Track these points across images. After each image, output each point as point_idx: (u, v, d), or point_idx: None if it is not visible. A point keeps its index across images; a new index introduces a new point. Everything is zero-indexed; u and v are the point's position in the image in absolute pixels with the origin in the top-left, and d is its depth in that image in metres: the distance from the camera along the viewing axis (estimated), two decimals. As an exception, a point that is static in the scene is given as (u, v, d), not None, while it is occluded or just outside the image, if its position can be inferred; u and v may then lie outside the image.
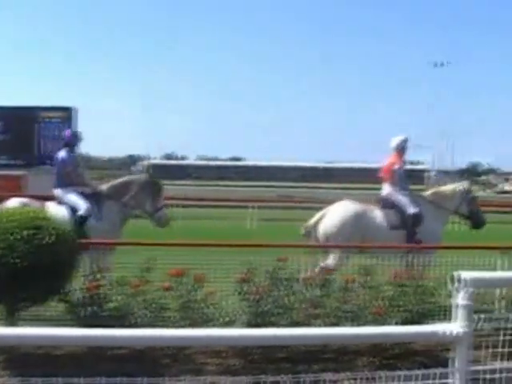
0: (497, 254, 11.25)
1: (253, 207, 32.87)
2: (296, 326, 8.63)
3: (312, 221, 13.34)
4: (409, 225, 13.25)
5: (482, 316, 3.51)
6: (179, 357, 8.94)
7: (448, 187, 14.44)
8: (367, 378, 4.13)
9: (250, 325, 9.16)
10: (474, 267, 9.73)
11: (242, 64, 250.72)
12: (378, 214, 13.27)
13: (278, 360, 8.96)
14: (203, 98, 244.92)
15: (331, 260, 12.06)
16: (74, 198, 12.74)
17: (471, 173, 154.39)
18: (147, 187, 13.17)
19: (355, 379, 4.22)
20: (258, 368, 8.59)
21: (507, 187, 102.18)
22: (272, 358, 8.95)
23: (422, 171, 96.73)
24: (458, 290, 3.46)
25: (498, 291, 10.61)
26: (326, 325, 9.07)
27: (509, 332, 4.11)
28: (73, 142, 13.39)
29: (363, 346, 9.11)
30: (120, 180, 13.42)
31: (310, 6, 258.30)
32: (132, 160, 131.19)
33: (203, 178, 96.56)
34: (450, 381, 3.56)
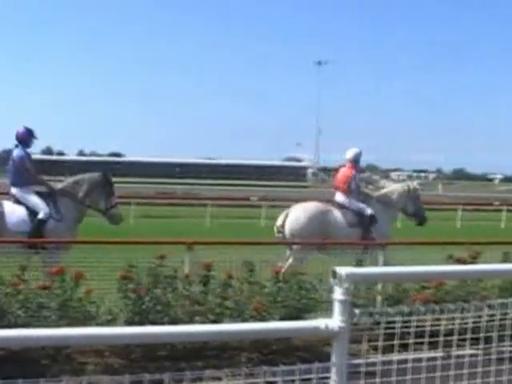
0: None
1: (129, 203, 32.71)
2: (177, 323, 8.61)
3: (280, 220, 14.27)
4: (365, 224, 14.45)
5: (358, 311, 3.57)
6: (59, 357, 8.79)
7: (394, 187, 15.71)
8: (247, 374, 4.15)
9: (130, 323, 9.09)
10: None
11: (125, 59, 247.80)
12: (337, 213, 14.42)
13: (159, 358, 8.93)
14: (87, 92, 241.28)
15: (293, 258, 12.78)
16: (33, 200, 12.55)
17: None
18: (101, 185, 13.12)
19: (236, 375, 4.23)
20: (139, 367, 8.56)
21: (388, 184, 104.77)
22: (153, 357, 8.91)
23: (303, 168, 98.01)
24: (336, 285, 3.52)
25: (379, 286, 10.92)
26: (207, 321, 9.09)
27: (387, 326, 4.20)
28: (27, 139, 12.95)
29: (245, 342, 9.17)
30: (74, 178, 13.23)
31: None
32: (7, 154, 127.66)
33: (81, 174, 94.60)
34: (329, 375, 3.60)
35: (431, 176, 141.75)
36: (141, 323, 8.83)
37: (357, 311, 3.56)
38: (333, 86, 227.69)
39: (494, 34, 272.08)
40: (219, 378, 4.32)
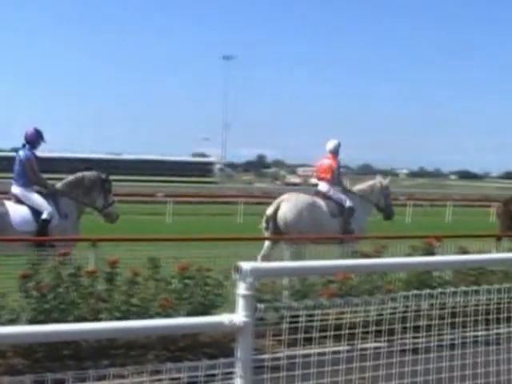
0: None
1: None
2: (82, 321, 8.51)
3: (270, 211, 14.88)
4: (345, 215, 15.36)
5: (261, 305, 3.60)
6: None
7: (370, 182, 16.54)
8: (152, 371, 4.14)
9: (33, 322, 8.94)
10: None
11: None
12: (322, 204, 15.25)
13: (63, 357, 8.81)
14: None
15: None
16: (37, 200, 12.75)
17: (258, 165, 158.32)
18: (99, 183, 13.39)
19: (141, 373, 4.22)
20: (43, 367, 8.43)
21: (295, 179, 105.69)
22: (57, 356, 8.79)
23: (210, 164, 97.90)
24: (240, 281, 3.54)
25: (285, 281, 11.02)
26: (112, 319, 9.01)
27: (292, 320, 4.25)
28: (35, 140, 13.13)
29: (152, 340, 9.13)
30: (73, 177, 13.36)
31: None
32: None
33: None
34: (234, 370, 3.62)
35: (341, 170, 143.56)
36: (44, 322, 8.69)
37: (261, 306, 3.59)
38: (241, 81, 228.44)
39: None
40: (123, 376, 4.28)
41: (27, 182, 12.85)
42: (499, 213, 20.51)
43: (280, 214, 14.76)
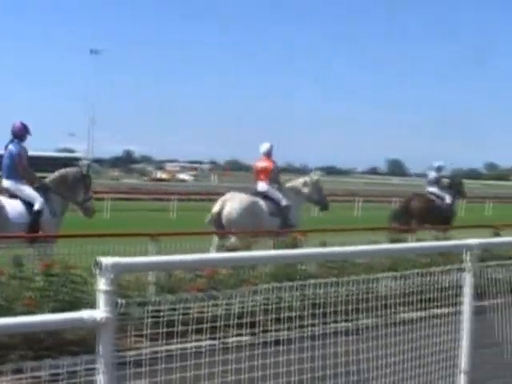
0: (148, 241, 11.69)
1: None
2: None
3: (216, 208, 16.08)
4: (284, 214, 16.52)
5: (123, 301, 3.61)
6: None
7: (301, 180, 17.91)
8: (14, 371, 4.10)
9: None
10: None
11: None
12: (262, 203, 16.40)
13: None
14: None
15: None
16: (28, 192, 13.21)
17: (126, 161, 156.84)
18: (81, 179, 13.92)
19: (2, 372, 4.16)
20: None
21: (162, 175, 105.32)
22: None
23: (76, 159, 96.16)
24: (100, 276, 3.54)
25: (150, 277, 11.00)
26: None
27: (154, 315, 4.28)
28: (23, 134, 13.48)
29: (16, 339, 8.94)
30: (57, 173, 13.91)
31: None
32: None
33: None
34: (96, 366, 3.62)
35: (206, 167, 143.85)
36: None
37: (121, 301, 3.60)
38: (109, 75, 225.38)
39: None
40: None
41: (18, 176, 13.22)
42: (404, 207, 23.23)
43: (224, 212, 15.92)
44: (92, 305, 9.40)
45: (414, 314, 5.92)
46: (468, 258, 5.98)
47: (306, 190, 17.56)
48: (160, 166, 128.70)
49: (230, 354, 4.68)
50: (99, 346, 3.55)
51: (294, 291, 5.12)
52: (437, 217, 22.09)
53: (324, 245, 11.80)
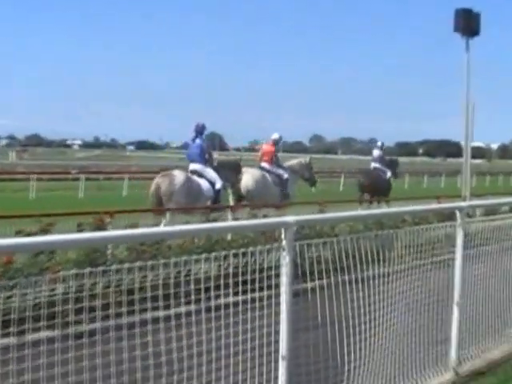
0: None
1: None
2: None
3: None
4: (283, 185, 22.95)
5: None
6: None
7: (297, 160, 24.86)
8: None
9: None
10: None
11: None
12: (268, 176, 22.79)
13: None
14: None
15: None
16: (212, 174, 19.78)
17: None
18: None
19: None
20: None
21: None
22: None
23: None
24: None
25: None
26: None
27: None
28: (202, 131, 20.18)
29: None
30: None
31: None
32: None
33: None
34: None
35: (3, 142, 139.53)
36: None
37: None
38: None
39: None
40: None
41: (204, 161, 19.76)
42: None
43: (243, 183, 21.77)
44: None
45: (232, 299, 5.92)
46: (284, 236, 6.06)
47: (300, 168, 24.33)
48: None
49: (26, 349, 4.52)
50: None
51: (97, 277, 4.99)
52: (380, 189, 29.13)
53: (134, 227, 11.69)
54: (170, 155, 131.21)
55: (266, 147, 23.85)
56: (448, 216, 10.37)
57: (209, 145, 21.55)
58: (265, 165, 23.35)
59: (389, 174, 30.59)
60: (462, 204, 9.08)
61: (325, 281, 6.61)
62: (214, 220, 14.83)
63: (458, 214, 8.60)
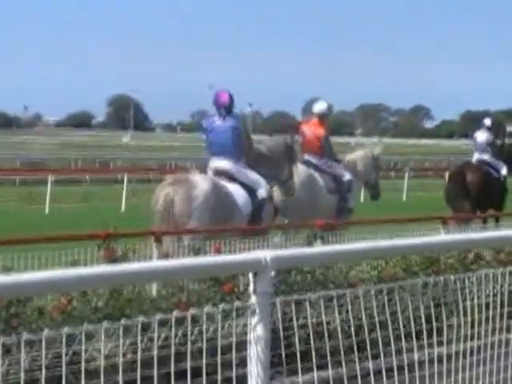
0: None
1: None
2: None
3: None
4: (343, 191, 14.32)
5: None
6: None
7: (359, 153, 15.45)
8: None
9: None
10: None
11: None
12: (319, 178, 14.20)
13: None
14: None
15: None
16: (252, 176, 12.21)
17: None
18: None
19: None
20: None
21: None
22: None
23: None
24: None
25: None
26: None
27: None
28: (231, 106, 12.32)
29: None
30: None
31: None
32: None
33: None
34: None
35: None
36: None
37: None
38: None
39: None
40: None
41: (239, 155, 12.19)
42: None
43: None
44: None
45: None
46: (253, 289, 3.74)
47: (363, 168, 15.21)
48: None
49: None
50: None
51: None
52: None
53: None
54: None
55: (310, 127, 14.82)
56: None
57: (247, 128, 13.83)
58: (311, 158, 14.54)
59: (504, 170, 19.77)
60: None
61: (330, 371, 3.94)
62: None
63: None
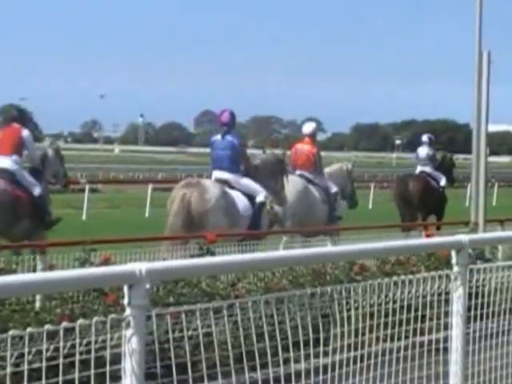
0: None
1: None
2: None
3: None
4: (331, 202, 16.06)
5: None
6: None
7: (337, 166, 17.78)
8: None
9: None
10: None
11: None
12: (313, 189, 15.82)
13: None
14: None
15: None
16: (249, 184, 13.62)
17: None
18: None
19: None
20: None
21: None
22: None
23: None
24: None
25: None
26: None
27: None
28: (232, 124, 13.80)
29: None
30: None
31: None
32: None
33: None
34: None
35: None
36: None
37: None
38: None
39: None
40: None
41: (239, 168, 13.66)
42: None
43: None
44: None
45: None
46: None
47: (341, 179, 17.26)
48: None
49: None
50: None
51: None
52: None
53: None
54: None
55: (303, 145, 16.47)
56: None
57: (244, 143, 15.91)
58: (304, 172, 16.07)
59: (443, 181, 22.03)
60: (462, 238, 4.98)
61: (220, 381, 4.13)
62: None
63: (454, 255, 4.99)
